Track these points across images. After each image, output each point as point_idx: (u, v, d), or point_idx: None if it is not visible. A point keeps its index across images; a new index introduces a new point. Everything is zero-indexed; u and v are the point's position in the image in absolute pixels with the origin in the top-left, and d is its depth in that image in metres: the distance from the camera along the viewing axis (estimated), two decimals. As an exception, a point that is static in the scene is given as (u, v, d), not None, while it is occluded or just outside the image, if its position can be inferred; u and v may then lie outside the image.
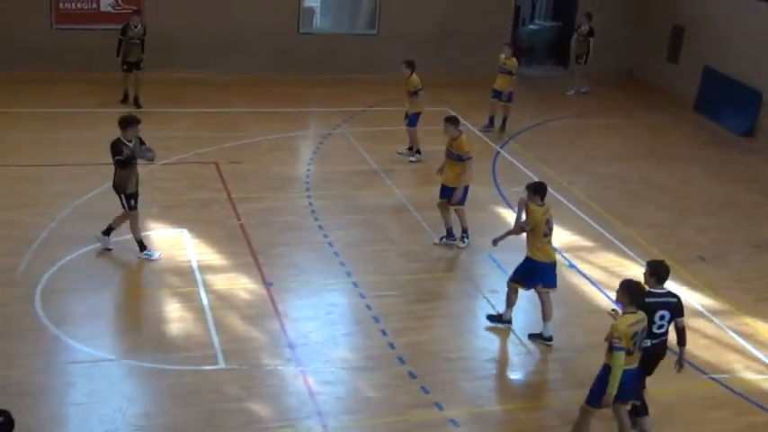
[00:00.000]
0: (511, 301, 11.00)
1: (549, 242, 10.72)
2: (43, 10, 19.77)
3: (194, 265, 12.06)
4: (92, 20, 20.07)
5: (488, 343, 11.02)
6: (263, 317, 10.96)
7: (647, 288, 8.85)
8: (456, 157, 12.80)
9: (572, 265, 12.82)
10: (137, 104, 18.03)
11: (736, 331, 11.42)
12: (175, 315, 10.89)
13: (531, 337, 10.82)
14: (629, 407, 8.87)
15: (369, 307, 11.36)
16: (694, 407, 9.87)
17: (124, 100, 18.25)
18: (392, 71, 18.50)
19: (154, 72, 18.44)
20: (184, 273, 11.87)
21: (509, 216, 13.27)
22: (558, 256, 12.95)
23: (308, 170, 15.75)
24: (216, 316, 10.87)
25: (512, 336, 10.99)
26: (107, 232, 12.14)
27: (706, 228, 14.53)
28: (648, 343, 8.71)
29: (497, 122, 18.42)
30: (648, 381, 9.62)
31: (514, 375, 10.27)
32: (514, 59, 18.04)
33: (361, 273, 12.21)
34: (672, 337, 8.97)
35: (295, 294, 11.65)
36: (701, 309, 11.90)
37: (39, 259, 11.83)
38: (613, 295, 9.47)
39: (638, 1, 22.99)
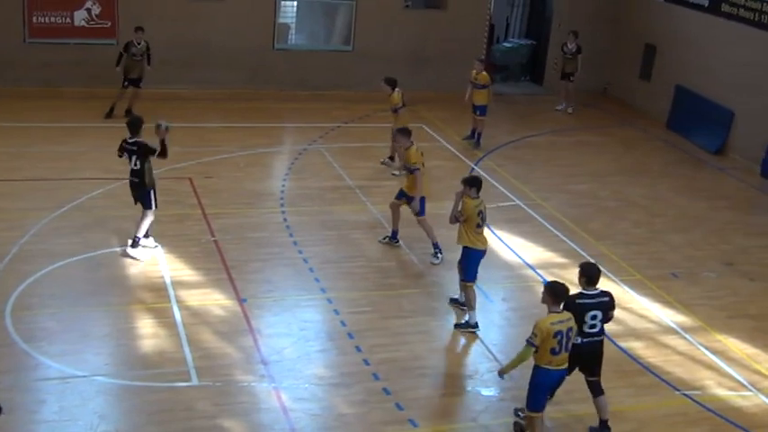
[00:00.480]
0: (470, 302, 11.29)
1: (482, 232, 11.31)
2: (16, 23, 19.64)
3: (167, 280, 11.98)
4: (65, 34, 19.96)
5: (462, 359, 11.05)
6: (237, 333, 10.89)
7: (579, 289, 9.08)
8: (408, 169, 13.06)
9: (546, 282, 12.83)
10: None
11: (708, 348, 11.49)
12: (148, 331, 10.80)
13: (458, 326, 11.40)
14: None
15: (343, 323, 11.33)
16: (667, 423, 9.90)
17: (109, 114, 18.13)
18: (367, 87, 18.54)
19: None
20: (157, 288, 11.78)
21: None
22: (531, 272, 13.09)
23: (283, 186, 15.72)
24: (189, 332, 10.79)
25: (486, 352, 11.01)
26: (146, 236, 12.61)
27: (678, 245, 14.63)
28: (579, 341, 8.93)
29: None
30: (622, 396, 9.70)
31: (488, 391, 10.26)
32: (485, 74, 18.11)
33: (336, 289, 12.18)
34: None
35: (269, 311, 11.59)
36: (673, 325, 11.98)
37: (9, 275, 11.70)
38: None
39: (611, 20, 23.19)
